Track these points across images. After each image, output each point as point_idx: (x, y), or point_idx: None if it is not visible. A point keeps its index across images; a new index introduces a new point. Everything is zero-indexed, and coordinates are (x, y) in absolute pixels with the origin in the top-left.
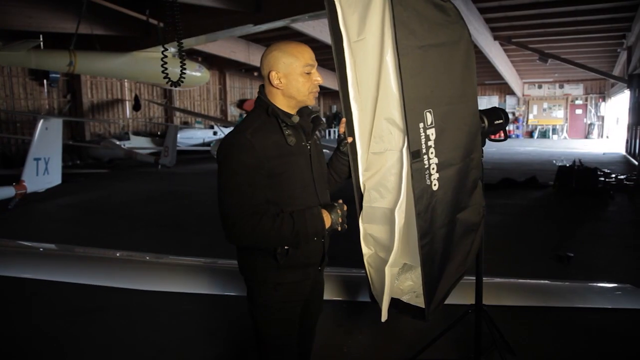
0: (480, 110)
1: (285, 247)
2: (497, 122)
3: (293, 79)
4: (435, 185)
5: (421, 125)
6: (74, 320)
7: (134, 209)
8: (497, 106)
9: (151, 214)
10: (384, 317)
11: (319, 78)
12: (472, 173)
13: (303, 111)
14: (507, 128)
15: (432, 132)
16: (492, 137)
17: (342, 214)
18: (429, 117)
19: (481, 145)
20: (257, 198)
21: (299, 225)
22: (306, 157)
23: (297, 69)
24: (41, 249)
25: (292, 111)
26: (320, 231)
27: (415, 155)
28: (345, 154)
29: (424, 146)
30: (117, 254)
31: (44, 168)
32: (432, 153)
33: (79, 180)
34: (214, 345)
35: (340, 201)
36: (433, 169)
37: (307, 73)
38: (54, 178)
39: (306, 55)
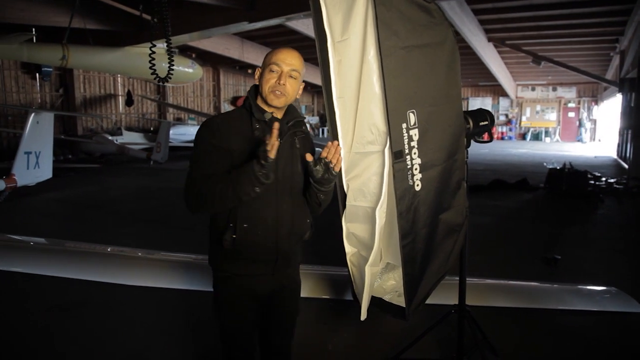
0: (465, 112)
1: (233, 236)
2: (482, 123)
3: (263, 73)
4: (418, 185)
5: (404, 125)
6: (62, 314)
7: (125, 205)
8: (482, 107)
9: (142, 209)
10: (363, 316)
11: (282, 82)
12: (456, 174)
13: (290, 113)
14: (501, 130)
15: (415, 133)
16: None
17: (263, 150)
18: (412, 118)
19: (466, 146)
20: (213, 168)
21: (233, 177)
22: None
23: (267, 63)
24: (31, 243)
25: (269, 109)
26: (251, 174)
27: (398, 155)
28: (317, 181)
29: (406, 146)
30: (107, 249)
31: (34, 162)
32: (415, 154)
33: (70, 174)
34: (199, 341)
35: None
36: (416, 169)
37: (272, 71)
38: (45, 172)
39: (280, 55)
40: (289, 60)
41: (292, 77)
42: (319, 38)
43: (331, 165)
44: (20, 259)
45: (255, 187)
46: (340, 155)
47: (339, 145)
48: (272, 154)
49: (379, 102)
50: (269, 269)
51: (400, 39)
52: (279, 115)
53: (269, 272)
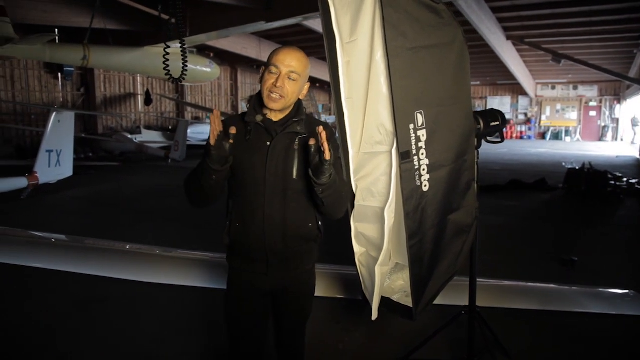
0: (476, 112)
1: (229, 234)
2: (493, 123)
3: (264, 73)
4: (425, 186)
5: (411, 126)
6: (80, 309)
7: (143, 202)
8: (493, 108)
9: (160, 207)
10: (374, 315)
11: (279, 84)
12: (465, 175)
13: (294, 113)
14: (520, 129)
15: (422, 134)
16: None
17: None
18: (420, 119)
19: (477, 146)
20: None
21: (198, 169)
22: (262, 155)
23: (268, 64)
24: (52, 239)
25: (265, 110)
26: (204, 164)
27: (405, 156)
28: (312, 170)
29: (414, 147)
30: (126, 247)
31: (56, 160)
32: (422, 154)
33: (90, 172)
34: (214, 338)
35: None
36: (423, 170)
37: (271, 72)
38: (66, 170)
39: (280, 56)
40: (288, 62)
41: (291, 79)
42: (328, 39)
43: (322, 151)
44: (41, 255)
45: (212, 175)
46: (325, 140)
47: (322, 130)
48: (212, 141)
49: (387, 102)
50: (263, 268)
51: (408, 40)
52: (279, 116)
53: (263, 271)
